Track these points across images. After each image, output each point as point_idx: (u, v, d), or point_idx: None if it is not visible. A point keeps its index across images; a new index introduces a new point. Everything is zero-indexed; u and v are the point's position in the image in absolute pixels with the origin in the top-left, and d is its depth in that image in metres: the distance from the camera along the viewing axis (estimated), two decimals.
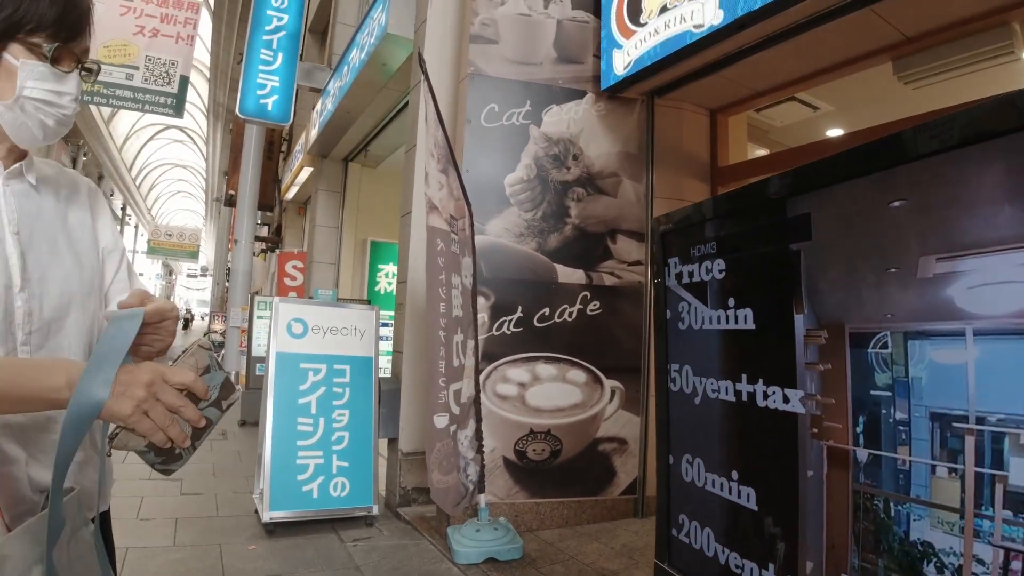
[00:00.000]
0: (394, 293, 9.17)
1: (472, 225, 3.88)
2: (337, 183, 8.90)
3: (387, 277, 9.24)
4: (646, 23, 4.19)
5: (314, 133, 8.63)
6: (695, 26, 3.83)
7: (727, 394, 1.44)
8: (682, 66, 4.29)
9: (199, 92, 31.30)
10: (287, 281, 9.36)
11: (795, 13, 3.58)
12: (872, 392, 1.22)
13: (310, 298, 6.03)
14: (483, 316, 4.24)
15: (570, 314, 4.55)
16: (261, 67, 7.49)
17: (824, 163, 1.27)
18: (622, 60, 4.42)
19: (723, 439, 1.47)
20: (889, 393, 1.20)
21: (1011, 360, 1.02)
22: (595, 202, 4.72)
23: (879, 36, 3.93)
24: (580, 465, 4.45)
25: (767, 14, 3.53)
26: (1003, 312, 1.03)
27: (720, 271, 1.47)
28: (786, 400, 1.30)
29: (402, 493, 4.62)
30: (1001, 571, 1.01)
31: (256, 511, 4.25)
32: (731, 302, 1.43)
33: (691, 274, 1.56)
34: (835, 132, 6.19)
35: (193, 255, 42.90)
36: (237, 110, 7.82)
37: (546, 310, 4.49)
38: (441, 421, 3.73)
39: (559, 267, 4.56)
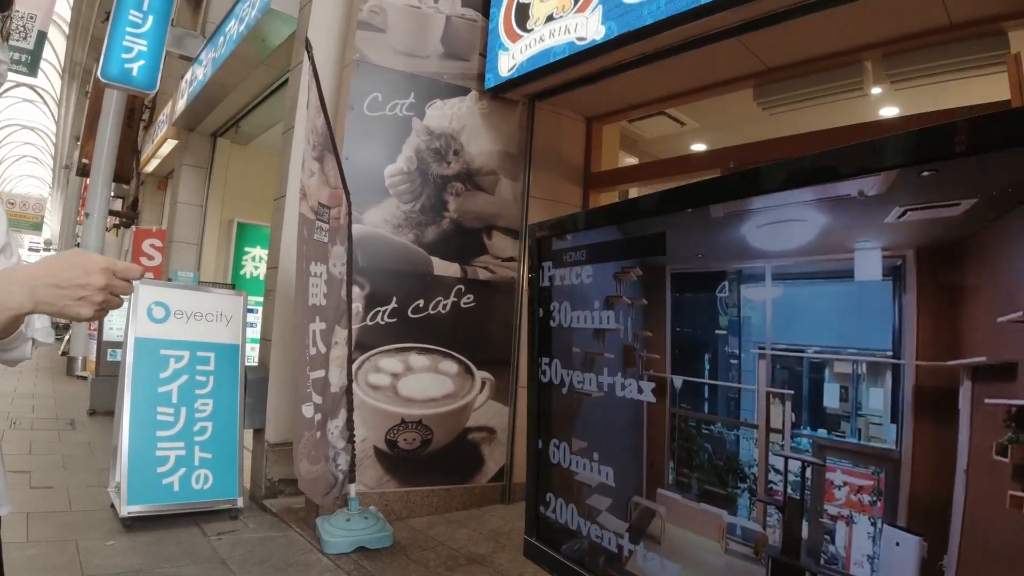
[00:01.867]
0: (261, 278, 8.90)
1: (350, 214, 3.87)
2: (204, 159, 8.44)
3: (254, 261, 8.90)
4: (532, 29, 4.34)
5: (182, 104, 8.14)
6: (578, 38, 4.02)
7: (591, 385, 1.60)
8: (564, 74, 4.48)
9: (55, 49, 28.43)
10: (144, 260, 8.77)
11: (670, 36, 3.85)
12: (688, 326, 1.44)
13: (169, 280, 5.74)
14: (357, 306, 4.23)
15: (444, 306, 4.63)
16: (129, 29, 6.92)
17: (678, 191, 1.45)
18: (507, 62, 4.55)
19: (586, 425, 1.63)
20: (707, 326, 1.41)
21: (802, 295, 1.26)
22: (473, 198, 4.82)
23: (744, 64, 4.29)
24: (450, 454, 4.56)
25: (645, 35, 3.77)
26: (791, 248, 1.25)
27: (588, 276, 1.62)
28: (640, 391, 1.48)
29: (268, 485, 4.52)
30: (795, 476, 1.24)
31: (113, 505, 4.01)
32: (596, 304, 1.59)
33: (563, 278, 1.70)
34: (699, 147, 6.66)
35: (36, 227, 39.08)
36: (98, 73, 7.19)
37: (421, 302, 4.54)
38: (308, 411, 3.70)
39: (435, 260, 4.63)
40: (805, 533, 1.22)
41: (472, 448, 4.69)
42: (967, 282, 1.06)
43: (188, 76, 8.03)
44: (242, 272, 8.72)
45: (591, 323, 1.61)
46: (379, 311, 4.38)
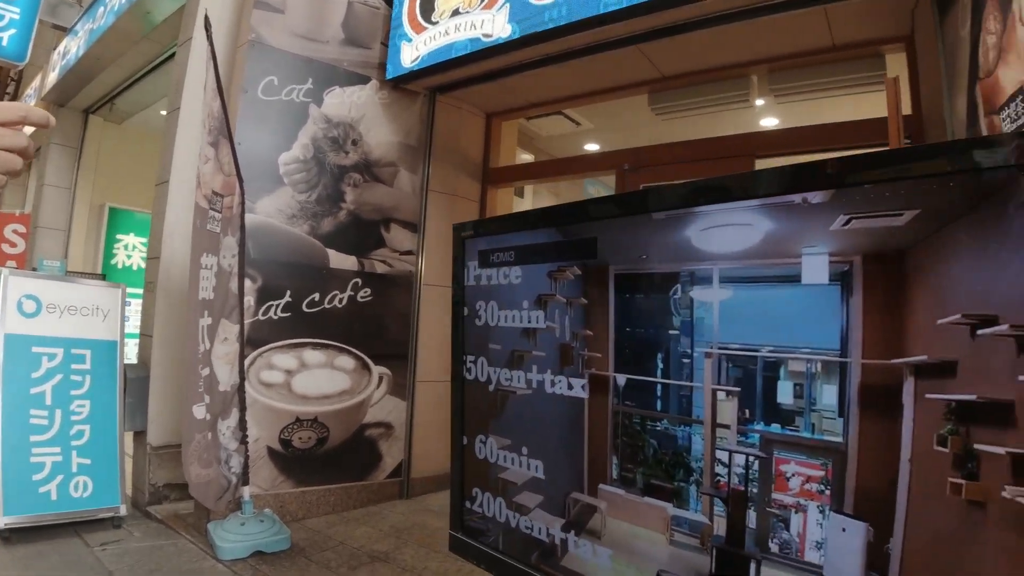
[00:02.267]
0: (135, 268, 8.34)
1: (243, 203, 3.69)
2: (74, 137, 7.74)
3: (126, 249, 8.31)
4: (437, 22, 4.30)
5: (53, 77, 7.43)
6: (484, 35, 4.02)
7: (519, 382, 1.62)
8: (467, 69, 4.48)
9: None
10: (6, 248, 7.95)
11: (574, 40, 3.93)
12: (633, 325, 1.50)
13: (34, 269, 5.29)
14: (249, 299, 4.04)
15: (340, 300, 4.53)
16: None
17: (609, 199, 1.50)
18: (410, 54, 4.48)
19: (514, 421, 1.65)
20: (654, 326, 1.47)
21: (750, 297, 1.33)
22: (371, 189, 4.73)
23: (642, 71, 4.45)
24: (347, 451, 4.46)
25: (549, 37, 3.83)
26: (738, 252, 1.31)
27: (516, 277, 1.63)
28: (570, 387, 1.51)
29: (152, 491, 4.25)
30: (741, 469, 1.33)
31: None
32: (525, 304, 1.61)
33: (489, 278, 1.71)
34: (592, 147, 6.85)
35: None
36: None
37: (316, 295, 4.41)
38: (200, 411, 3.52)
39: (331, 252, 4.51)
40: (752, 523, 1.30)
41: (369, 445, 4.61)
42: (910, 287, 1.13)
43: (61, 48, 7.36)
44: (113, 262, 8.11)
45: (521, 322, 1.63)
46: (272, 305, 4.21)
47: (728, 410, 1.35)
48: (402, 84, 4.78)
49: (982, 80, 2.46)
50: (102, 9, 6.10)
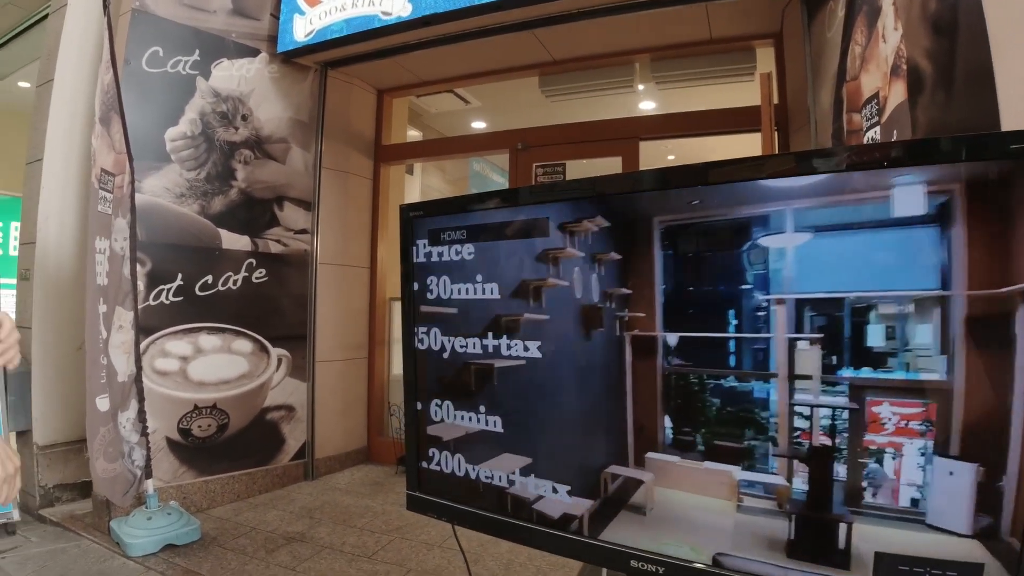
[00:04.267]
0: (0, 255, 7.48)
1: (133, 182, 3.49)
2: None
3: None
4: None
5: None
6: (383, 12, 4.00)
7: (475, 348, 1.76)
8: (363, 46, 4.43)
9: None
10: None
11: (473, 22, 4.03)
12: (686, 278, 1.47)
13: None
14: (139, 284, 3.83)
15: (235, 282, 4.39)
16: None
17: (559, 184, 1.64)
18: (303, 27, 4.36)
19: (470, 382, 1.79)
20: (718, 278, 1.43)
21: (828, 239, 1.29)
22: (263, 167, 4.59)
23: (534, 54, 4.60)
24: (249, 436, 4.37)
25: (450, 18, 3.89)
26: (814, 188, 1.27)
27: (469, 253, 1.77)
28: (526, 348, 1.68)
29: (43, 493, 3.94)
30: (825, 421, 1.29)
31: None
32: (479, 277, 1.75)
33: (440, 254, 1.84)
34: (479, 125, 6.96)
35: None
36: None
37: (209, 278, 4.25)
38: (103, 404, 3.32)
39: (223, 232, 4.34)
40: (842, 476, 1.26)
41: (271, 428, 4.53)
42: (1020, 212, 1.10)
43: None
44: None
45: (471, 295, 1.75)
46: (163, 289, 4.01)
47: (809, 360, 1.30)
48: (293, 58, 4.64)
49: (848, 82, 2.82)
50: None
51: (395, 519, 3.91)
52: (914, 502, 1.21)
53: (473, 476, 1.77)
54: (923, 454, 1.20)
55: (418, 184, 7.21)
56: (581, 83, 4.91)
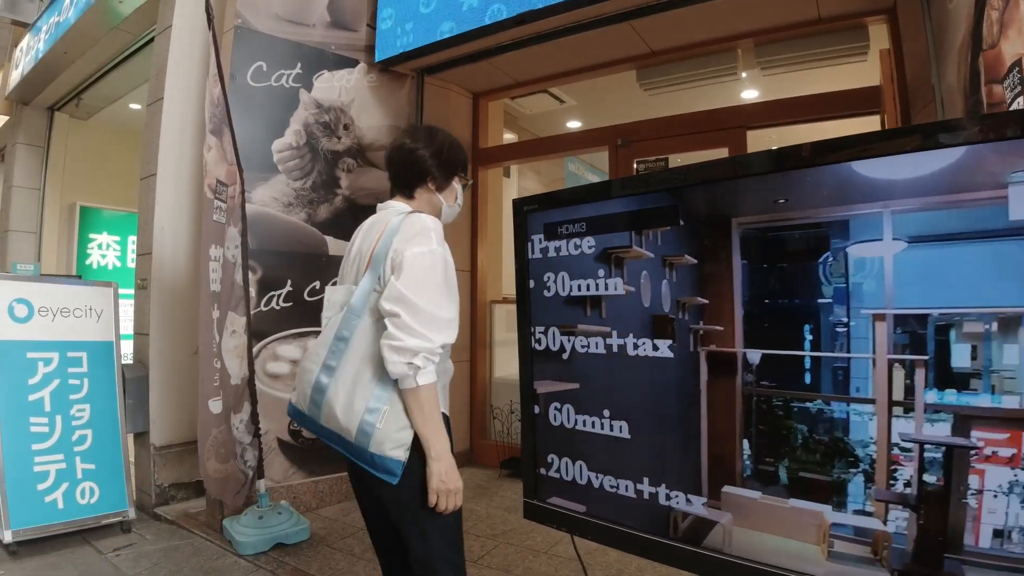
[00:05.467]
0: (109, 268, 8.10)
1: (243, 192, 3.62)
2: (40, 136, 7.44)
3: (100, 249, 8.06)
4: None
5: (16, 75, 7.12)
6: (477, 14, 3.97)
7: (597, 348, 1.61)
8: (456, 50, 4.43)
9: None
10: None
11: (567, 17, 3.93)
12: (773, 290, 1.27)
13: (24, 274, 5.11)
14: (251, 291, 3.97)
15: None
16: None
17: (689, 168, 1.45)
18: (399, 35, 4.41)
19: (593, 384, 1.63)
20: (803, 289, 1.24)
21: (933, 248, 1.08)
22: (366, 174, 4.66)
23: (631, 46, 4.46)
24: None
25: (544, 15, 3.81)
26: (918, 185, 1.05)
27: (590, 247, 1.62)
28: (655, 348, 1.49)
29: (158, 492, 4.15)
30: (931, 456, 1.08)
31: None
32: (601, 272, 1.59)
33: (558, 249, 1.70)
34: (574, 124, 6.84)
35: None
36: None
37: (317, 283, 4.35)
38: (216, 406, 3.44)
39: (329, 239, 4.44)
40: (949, 521, 1.05)
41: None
42: None
43: (24, 44, 7.05)
44: (88, 262, 7.85)
45: (592, 291, 1.60)
46: (274, 295, 4.14)
47: (905, 383, 1.08)
48: (391, 67, 4.71)
49: (985, 51, 2.53)
50: (68, 1, 5.88)
51: (499, 523, 3.84)
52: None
53: (596, 485, 1.62)
54: None
55: (514, 187, 7.17)
56: (681, 73, 4.71)
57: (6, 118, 7.67)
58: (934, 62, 3.21)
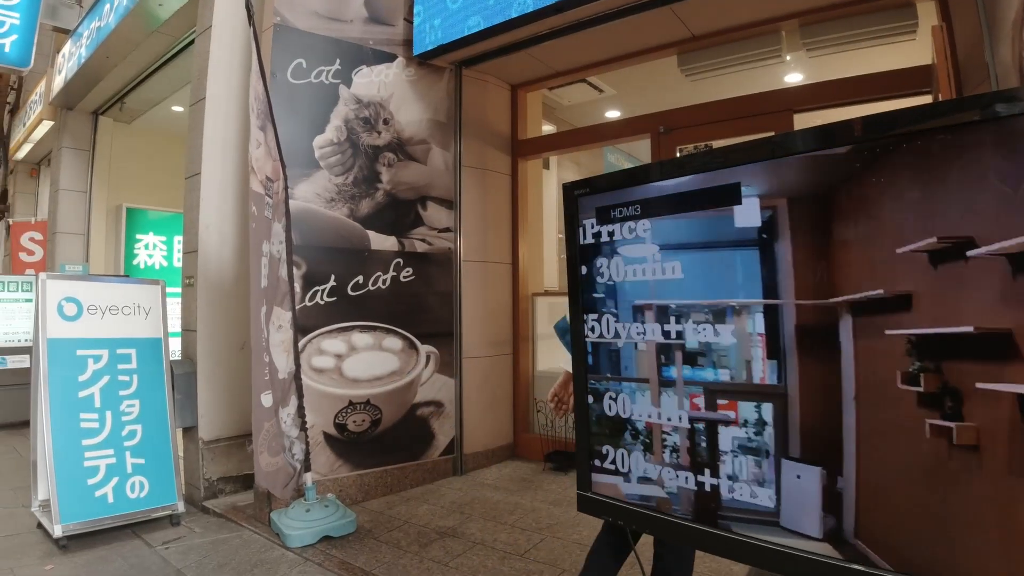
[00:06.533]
0: (156, 267, 8.28)
1: (287, 188, 3.64)
2: (85, 140, 7.62)
3: (147, 249, 8.24)
4: None
5: (60, 81, 7.30)
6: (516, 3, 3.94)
7: (654, 335, 1.56)
8: (494, 40, 4.40)
9: None
10: (23, 256, 7.91)
11: (605, 4, 3.88)
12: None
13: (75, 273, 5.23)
14: (295, 286, 3.99)
15: (384, 281, 4.48)
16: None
17: (749, 144, 1.42)
18: (436, 28, 4.39)
19: (650, 373, 1.59)
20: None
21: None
22: (406, 168, 4.67)
23: (672, 32, 4.38)
24: (400, 432, 4.44)
25: (582, 1, 3.75)
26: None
27: (645, 230, 1.58)
28: (716, 333, 1.45)
29: (207, 485, 4.21)
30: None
31: (40, 525, 3.62)
32: (657, 256, 1.55)
33: (611, 233, 1.65)
34: (613, 114, 6.76)
35: None
36: None
37: (360, 278, 4.37)
38: (268, 400, 3.47)
39: (371, 234, 4.45)
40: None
41: (421, 423, 4.58)
42: (844, 223, 1.15)
43: (66, 50, 7.23)
44: (135, 262, 8.03)
45: (649, 276, 1.56)
46: (318, 290, 4.17)
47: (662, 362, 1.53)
48: (429, 60, 4.70)
49: None
50: (108, 6, 5.98)
51: (545, 517, 3.81)
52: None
53: (654, 476, 1.58)
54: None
55: (554, 178, 7.13)
56: (724, 57, 4.61)
57: (51, 123, 7.87)
58: (987, 38, 3.08)
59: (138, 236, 8.06)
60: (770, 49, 4.50)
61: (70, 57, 7.08)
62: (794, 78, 5.85)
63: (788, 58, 5.11)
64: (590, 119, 6.68)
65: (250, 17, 3.47)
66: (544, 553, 3.29)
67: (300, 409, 3.63)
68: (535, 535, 3.54)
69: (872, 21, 4.10)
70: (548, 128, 6.54)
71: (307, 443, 3.63)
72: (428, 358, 4.65)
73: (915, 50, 4.07)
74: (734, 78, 5.01)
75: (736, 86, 4.94)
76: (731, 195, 1.41)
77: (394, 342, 4.48)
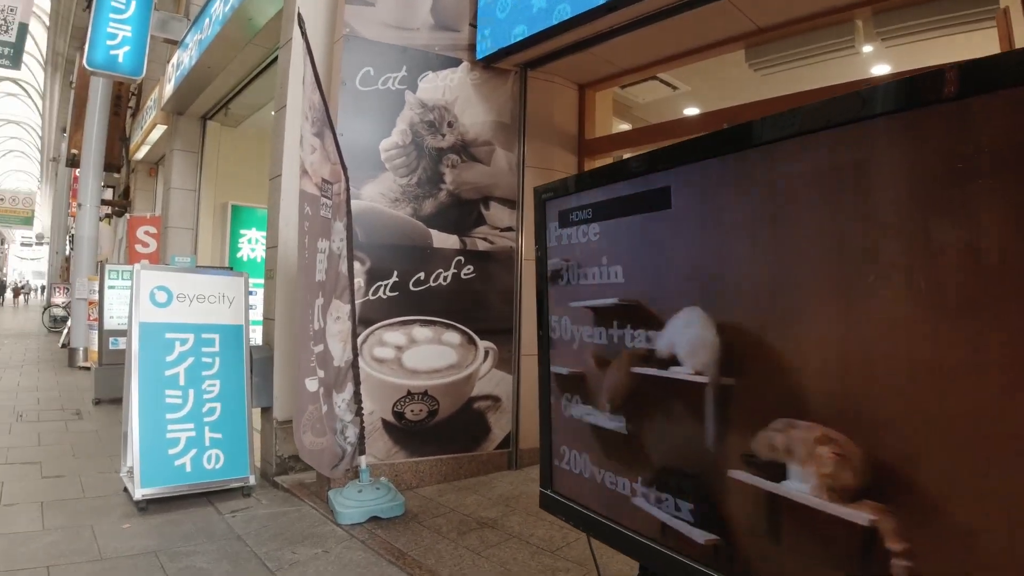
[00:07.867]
0: (257, 260, 8.91)
1: (348, 189, 3.88)
2: (194, 143, 8.37)
3: (250, 243, 8.89)
4: None
5: (169, 88, 8.06)
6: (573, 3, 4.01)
7: (600, 338, 1.62)
8: (557, 40, 4.47)
9: (36, 41, 28.00)
10: (139, 248, 8.76)
11: (656, 1, 3.84)
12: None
13: (167, 265, 5.75)
14: (359, 281, 4.26)
15: (445, 278, 4.66)
16: (112, 15, 6.87)
17: (682, 144, 1.46)
18: (498, 32, 4.52)
19: (596, 376, 1.65)
20: None
21: None
22: (469, 169, 4.83)
23: (735, 25, 4.29)
24: (457, 423, 4.62)
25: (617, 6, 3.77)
26: None
27: (595, 234, 1.64)
28: (648, 340, 1.50)
29: (278, 462, 4.57)
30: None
31: (126, 489, 4.07)
32: (604, 260, 1.61)
33: (569, 237, 1.72)
34: (691, 111, 6.64)
35: (27, 221, 38.78)
36: (84, 61, 7.13)
37: (421, 274, 4.57)
38: (312, 384, 3.74)
39: (434, 232, 4.64)
40: None
41: (478, 417, 4.74)
42: None
43: (174, 60, 7.95)
44: (239, 255, 8.69)
45: (597, 279, 1.62)
46: (381, 285, 4.40)
47: None
48: (493, 63, 4.84)
49: None
50: (208, 20, 6.52)
51: None
52: None
53: (599, 480, 1.64)
54: None
55: None
56: (793, 50, 4.46)
57: (164, 127, 8.64)
58: None
59: (242, 231, 8.70)
60: (843, 40, 4.32)
61: (177, 67, 7.76)
62: (882, 70, 5.57)
63: (868, 48, 4.88)
64: (667, 117, 6.61)
65: (302, 31, 3.72)
66: (576, 552, 3.35)
67: (356, 395, 3.87)
68: (571, 533, 3.60)
69: (949, 7, 3.87)
70: (625, 127, 6.52)
71: (362, 427, 3.86)
72: (487, 353, 4.80)
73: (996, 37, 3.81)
74: (811, 70, 4.84)
75: (815, 78, 4.78)
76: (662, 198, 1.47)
77: (453, 337, 4.66)
